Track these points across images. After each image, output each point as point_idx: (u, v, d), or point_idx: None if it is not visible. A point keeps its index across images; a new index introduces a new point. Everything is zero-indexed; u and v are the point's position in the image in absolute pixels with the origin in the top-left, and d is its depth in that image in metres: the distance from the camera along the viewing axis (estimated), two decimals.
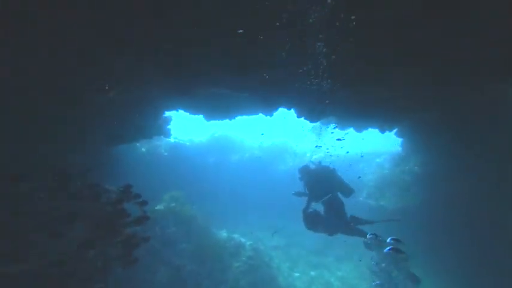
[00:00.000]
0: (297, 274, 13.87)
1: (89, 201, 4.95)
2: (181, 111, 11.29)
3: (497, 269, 8.79)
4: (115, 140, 9.63)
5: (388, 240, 6.46)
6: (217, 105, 9.36)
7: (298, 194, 7.46)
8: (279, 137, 19.63)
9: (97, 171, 9.80)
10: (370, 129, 10.68)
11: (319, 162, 7.50)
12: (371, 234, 6.60)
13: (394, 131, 10.40)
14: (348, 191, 6.99)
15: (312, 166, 7.51)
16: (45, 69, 4.66)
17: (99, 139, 9.04)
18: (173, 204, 11.66)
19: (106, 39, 4.55)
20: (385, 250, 6.70)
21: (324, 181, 6.90)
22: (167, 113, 12.20)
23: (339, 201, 6.86)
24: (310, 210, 6.79)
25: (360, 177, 15.06)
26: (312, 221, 6.73)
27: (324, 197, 6.77)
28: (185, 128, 23.27)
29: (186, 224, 11.48)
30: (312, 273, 14.00)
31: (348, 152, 14.39)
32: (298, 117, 8.23)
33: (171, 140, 14.67)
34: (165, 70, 5.77)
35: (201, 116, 11.28)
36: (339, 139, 10.45)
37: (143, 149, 13.55)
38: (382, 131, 9.73)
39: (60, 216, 4.32)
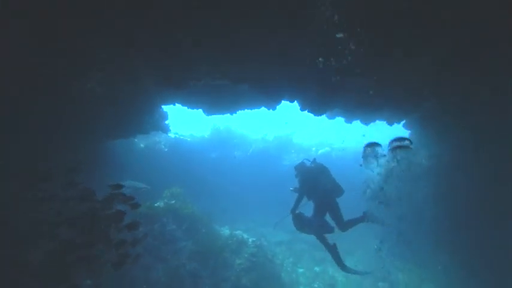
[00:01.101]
0: (301, 270, 13.47)
1: (73, 203, 4.51)
2: (179, 106, 10.79)
3: (503, 270, 8.33)
4: (108, 136, 9.16)
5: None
6: (216, 98, 8.82)
7: (296, 190, 7.21)
8: (284, 131, 19.02)
9: (90, 168, 9.40)
10: (377, 121, 10.09)
11: (314, 159, 7.12)
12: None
13: (402, 123, 9.79)
14: (339, 191, 6.83)
15: (308, 163, 7.18)
16: (19, 56, 4.15)
17: (90, 135, 8.58)
18: (173, 201, 11.24)
19: (83, 21, 4.01)
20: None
21: (316, 179, 6.63)
22: (165, 108, 11.71)
23: (330, 200, 6.62)
24: (298, 211, 6.60)
25: (360, 165, 14.49)
26: (300, 222, 6.55)
27: (315, 195, 6.59)
28: (187, 123, 22.81)
29: (187, 221, 11.08)
30: (316, 268, 13.59)
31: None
32: (301, 110, 7.66)
33: (171, 135, 14.19)
34: (151, 56, 5.22)
35: (201, 111, 10.78)
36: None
37: (142, 145, 13.09)
38: (390, 123, 9.12)
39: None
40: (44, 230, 4.56)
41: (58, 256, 4.22)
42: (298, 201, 6.58)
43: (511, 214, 8.09)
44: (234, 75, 5.91)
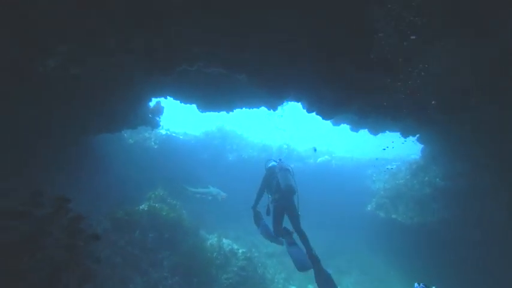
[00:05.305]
0: (292, 287, 12.07)
1: None
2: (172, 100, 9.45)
3: None
4: (88, 130, 7.81)
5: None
6: (211, 93, 7.49)
7: None
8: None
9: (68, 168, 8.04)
10: (388, 132, 8.79)
11: (280, 160, 6.53)
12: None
13: (417, 136, 8.49)
14: (290, 191, 6.02)
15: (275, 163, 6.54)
16: None
17: (67, 128, 7.22)
18: (157, 205, 9.83)
19: None
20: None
21: (273, 177, 6.15)
22: (159, 102, 10.36)
23: (284, 200, 5.93)
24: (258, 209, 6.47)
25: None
26: (256, 220, 6.48)
27: (271, 193, 6.19)
28: (183, 120, 21.53)
29: (172, 228, 9.67)
30: (310, 286, 12.17)
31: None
32: (308, 112, 6.35)
33: (163, 131, 12.82)
34: (128, 29, 3.91)
35: (195, 107, 9.45)
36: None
37: (131, 141, 11.70)
38: (405, 135, 7.82)
39: None
40: None
41: None
42: (258, 197, 6.44)
43: None
44: (230, 59, 4.58)
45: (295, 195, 6.03)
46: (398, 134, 8.19)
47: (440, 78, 4.41)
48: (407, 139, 8.20)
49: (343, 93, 4.81)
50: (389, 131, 8.94)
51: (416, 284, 5.29)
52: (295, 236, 5.92)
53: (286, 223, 6.34)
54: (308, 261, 5.40)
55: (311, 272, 13.41)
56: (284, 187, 5.80)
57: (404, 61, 3.95)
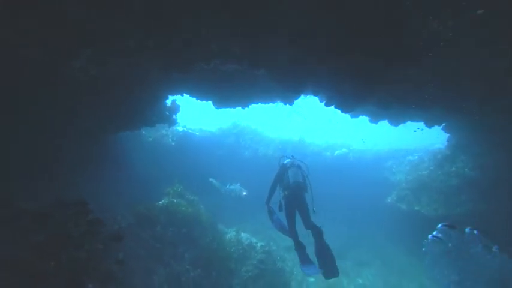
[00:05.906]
0: (312, 279, 12.05)
1: None
2: (188, 97, 9.48)
3: None
4: (109, 128, 8.01)
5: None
6: (227, 89, 7.42)
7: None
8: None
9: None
10: (409, 122, 8.42)
11: (292, 156, 6.66)
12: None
13: (442, 125, 8.07)
14: (299, 188, 6.13)
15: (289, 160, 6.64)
16: None
17: (88, 128, 7.44)
18: (176, 200, 10.02)
19: None
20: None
21: (285, 173, 6.25)
22: (174, 100, 10.44)
23: (295, 196, 5.98)
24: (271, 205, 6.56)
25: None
26: (270, 214, 6.59)
27: (282, 189, 6.24)
28: (200, 116, 21.68)
29: (190, 223, 9.85)
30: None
31: None
32: (326, 105, 6.16)
33: (179, 128, 12.98)
34: (146, 31, 3.89)
35: (210, 103, 9.43)
36: None
37: (150, 138, 11.92)
38: (429, 125, 7.45)
39: None
40: None
41: None
42: (270, 193, 6.50)
43: None
44: (248, 54, 4.48)
45: (306, 192, 6.08)
46: (422, 123, 7.83)
47: (472, 65, 4.11)
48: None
49: (365, 86, 4.60)
50: (411, 121, 8.57)
51: (439, 225, 5.55)
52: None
53: (298, 219, 6.36)
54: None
55: None
56: (292, 183, 5.89)
57: (431, 49, 3.70)
